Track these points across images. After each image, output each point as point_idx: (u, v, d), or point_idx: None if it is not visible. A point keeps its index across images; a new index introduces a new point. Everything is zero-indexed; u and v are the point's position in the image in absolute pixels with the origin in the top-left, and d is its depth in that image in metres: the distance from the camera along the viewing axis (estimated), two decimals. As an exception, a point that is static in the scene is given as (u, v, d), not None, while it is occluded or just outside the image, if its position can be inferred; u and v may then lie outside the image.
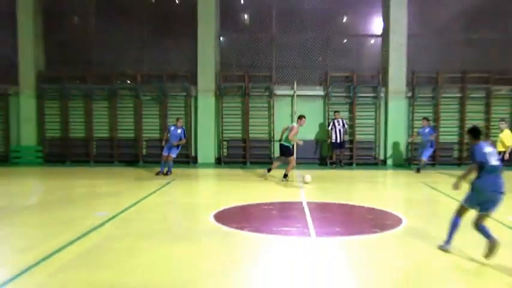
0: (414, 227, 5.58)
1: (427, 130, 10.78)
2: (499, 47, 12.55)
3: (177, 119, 10.08)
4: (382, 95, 12.43)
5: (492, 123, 12.27)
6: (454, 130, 12.49)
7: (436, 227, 5.42)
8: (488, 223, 4.46)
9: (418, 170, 10.71)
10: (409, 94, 12.41)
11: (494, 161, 4.20)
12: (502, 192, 4.20)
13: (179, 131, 9.90)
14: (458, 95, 12.47)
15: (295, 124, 9.09)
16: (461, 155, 12.32)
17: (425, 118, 11.10)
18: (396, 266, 4.15)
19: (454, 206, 4.81)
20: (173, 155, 9.85)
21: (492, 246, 4.08)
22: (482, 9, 12.49)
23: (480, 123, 12.19)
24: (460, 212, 4.37)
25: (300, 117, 9.21)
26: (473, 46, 12.50)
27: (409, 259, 4.38)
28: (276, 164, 9.40)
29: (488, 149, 4.24)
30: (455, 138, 12.50)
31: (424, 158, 10.74)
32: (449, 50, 12.54)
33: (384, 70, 12.44)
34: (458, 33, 12.60)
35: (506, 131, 9.19)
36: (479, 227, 4.20)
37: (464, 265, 4.15)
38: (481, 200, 4.16)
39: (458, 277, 3.98)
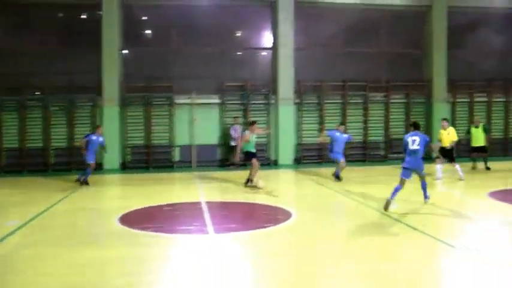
0: (303, 219, 7.70)
1: (345, 135, 12.26)
2: (373, 59, 17.16)
3: (97, 127, 12.45)
4: (273, 101, 16.67)
5: (370, 125, 16.81)
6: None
7: (321, 217, 7.84)
8: (369, 210, 8.25)
9: (338, 177, 11.93)
10: (297, 101, 16.76)
11: (413, 145, 8.20)
12: (416, 169, 8.27)
13: (100, 139, 12.28)
14: (340, 101, 16.99)
15: (246, 132, 11.24)
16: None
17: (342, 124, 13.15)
18: (287, 254, 5.79)
19: (338, 198, 9.16)
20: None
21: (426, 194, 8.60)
22: (358, 26, 17.23)
23: (359, 125, 16.71)
24: (401, 182, 8.20)
25: (252, 123, 11.36)
26: (352, 58, 17.14)
27: (299, 248, 6.04)
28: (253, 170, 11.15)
29: (411, 138, 8.28)
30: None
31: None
32: (331, 62, 17.13)
33: (274, 79, 16.68)
34: (339, 46, 17.11)
35: (451, 128, 12.94)
36: (422, 184, 8.51)
37: (342, 250, 5.95)
38: (409, 172, 8.22)
39: (337, 260, 5.53)
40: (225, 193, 10.66)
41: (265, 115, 16.85)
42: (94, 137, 12.00)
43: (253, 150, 11.07)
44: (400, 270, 5.17)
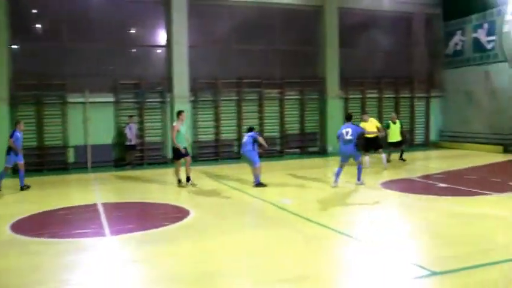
0: (201, 217, 8.88)
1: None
2: (268, 57, 20.47)
3: (18, 122, 12.99)
4: (168, 100, 19.43)
5: (265, 121, 20.09)
6: (233, 128, 20.02)
7: (219, 215, 9.13)
8: (265, 205, 10.15)
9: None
10: (192, 98, 19.64)
11: (347, 136, 11.49)
12: (351, 155, 11.76)
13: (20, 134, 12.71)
14: (235, 98, 20.07)
15: (175, 123, 12.28)
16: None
17: None
18: (184, 253, 6.76)
19: (235, 195, 10.93)
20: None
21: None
22: (253, 23, 20.29)
23: (254, 121, 19.93)
24: (341, 166, 11.66)
25: (179, 112, 12.48)
26: (247, 55, 20.26)
27: (196, 246, 7.07)
28: (177, 170, 12.55)
29: (345, 129, 11.59)
30: (234, 136, 20.04)
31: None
32: (226, 59, 20.10)
33: (168, 77, 19.45)
34: (234, 44, 20.20)
35: (372, 119, 16.05)
36: (358, 168, 12.10)
37: (238, 246, 7.18)
38: (346, 157, 11.67)
39: (233, 256, 6.63)
40: (122, 194, 11.89)
41: (161, 113, 19.56)
42: (20, 135, 12.55)
43: (185, 145, 12.37)
44: (293, 262, 6.35)
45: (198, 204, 10.46)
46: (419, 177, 13.80)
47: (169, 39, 19.42)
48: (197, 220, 8.91)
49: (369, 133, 15.06)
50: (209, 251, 6.99)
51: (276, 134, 20.54)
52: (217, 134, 19.71)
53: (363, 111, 20.37)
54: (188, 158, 12.59)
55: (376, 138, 15.27)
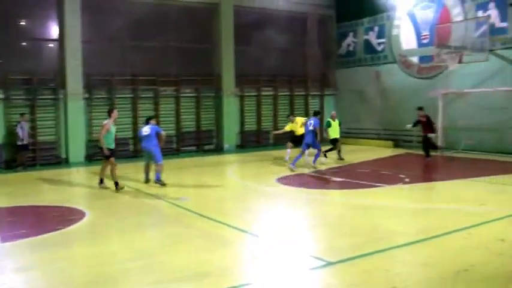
0: (96, 218, 9.78)
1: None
2: (163, 54, 24.45)
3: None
4: (62, 96, 22.64)
5: (161, 119, 24.01)
6: (128, 126, 23.72)
7: (116, 215, 10.19)
8: (163, 203, 11.74)
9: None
10: (86, 95, 23.03)
11: (310, 126, 16.79)
12: (313, 143, 16.99)
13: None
14: (130, 95, 23.78)
15: (106, 121, 13.10)
16: (136, 148, 23.50)
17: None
18: (80, 255, 7.65)
19: (132, 194, 12.42)
20: None
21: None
22: (149, 20, 24.02)
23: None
24: (301, 153, 16.94)
25: (111, 109, 13.54)
26: (143, 52, 23.99)
27: (93, 248, 7.90)
28: (103, 171, 13.65)
29: (309, 121, 17.15)
30: (129, 134, 23.76)
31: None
32: (121, 55, 23.65)
33: (61, 73, 22.67)
34: (129, 40, 23.90)
35: (299, 118, 20.07)
36: (316, 155, 17.31)
37: (134, 246, 8.06)
38: (306, 145, 16.80)
39: (129, 256, 7.48)
40: (13, 197, 12.63)
41: (54, 111, 22.53)
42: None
43: (112, 147, 13.27)
44: (192, 260, 7.28)
45: (94, 205, 11.60)
46: (314, 172, 16.43)
47: (61, 33, 22.21)
48: (93, 221, 9.82)
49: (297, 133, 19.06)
50: (106, 252, 7.68)
51: (172, 132, 24.31)
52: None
53: (259, 108, 25.04)
54: (112, 160, 13.38)
55: (303, 135, 18.17)
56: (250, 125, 25.59)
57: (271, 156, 21.82)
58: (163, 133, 14.27)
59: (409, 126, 20.37)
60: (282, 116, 26.90)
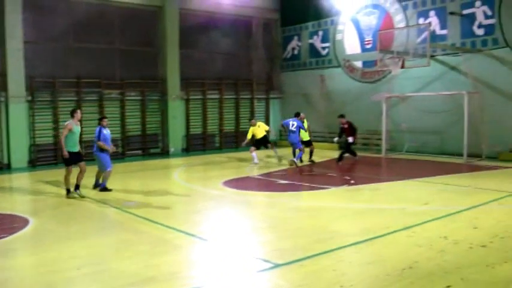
0: (40, 225, 9.68)
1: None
2: (108, 56, 24.18)
3: None
4: (3, 99, 22.08)
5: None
6: (71, 130, 23.26)
7: (60, 222, 10.12)
8: (110, 209, 11.44)
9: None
10: (29, 98, 22.53)
11: (292, 127, 18.76)
12: (296, 143, 18.88)
13: None
14: (74, 98, 23.41)
15: (68, 121, 12.82)
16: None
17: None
18: (26, 265, 7.55)
19: (77, 200, 12.20)
20: None
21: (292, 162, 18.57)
22: (92, 21, 23.72)
23: (94, 122, 23.37)
24: (300, 150, 18.47)
25: (74, 110, 13.29)
26: (87, 55, 23.66)
27: (38, 256, 7.83)
28: (66, 177, 13.06)
29: (291, 122, 18.94)
30: (73, 137, 23.30)
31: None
32: (65, 57, 23.29)
33: (2, 75, 22.11)
34: (72, 41, 23.53)
35: (260, 123, 20.62)
36: (299, 154, 18.84)
37: (80, 252, 7.98)
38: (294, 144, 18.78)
39: (76, 264, 7.39)
40: None
41: (-6, 113, 22.11)
42: None
43: (74, 150, 12.79)
44: (139, 265, 7.30)
45: (38, 211, 11.42)
46: (260, 175, 16.64)
47: (2, 33, 21.79)
48: (37, 229, 9.59)
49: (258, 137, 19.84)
50: (51, 261, 7.54)
51: (117, 136, 24.17)
52: (56, 136, 21.98)
53: (204, 112, 25.14)
54: (82, 164, 13.07)
55: (265, 136, 19.71)
56: (196, 129, 25.73)
57: (217, 160, 22.08)
58: (99, 142, 13.68)
59: (336, 139, 21.21)
60: (227, 118, 27.02)
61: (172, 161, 22.84)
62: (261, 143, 19.78)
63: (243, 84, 27.82)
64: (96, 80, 23.25)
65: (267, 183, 15.53)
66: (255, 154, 19.28)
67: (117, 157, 22.96)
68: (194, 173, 18.65)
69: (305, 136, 19.83)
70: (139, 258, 7.72)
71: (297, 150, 18.77)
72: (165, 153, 24.72)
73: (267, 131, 20.02)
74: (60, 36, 22.97)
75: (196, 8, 25.90)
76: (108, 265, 7.37)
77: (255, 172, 17.41)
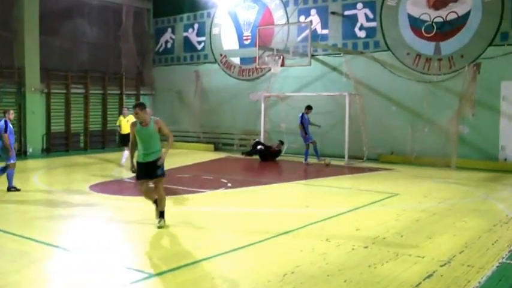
0: None
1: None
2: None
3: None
4: None
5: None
6: None
7: None
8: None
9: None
10: None
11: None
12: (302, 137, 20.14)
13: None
14: None
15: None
16: None
17: None
18: None
19: None
20: None
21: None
22: None
23: None
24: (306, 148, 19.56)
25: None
26: None
27: None
28: None
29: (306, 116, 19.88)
30: None
31: None
32: None
33: None
34: None
35: (131, 116, 17.98)
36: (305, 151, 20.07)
37: None
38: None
39: None
40: None
41: None
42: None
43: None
44: None
45: None
46: (130, 178, 15.40)
47: None
48: None
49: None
50: None
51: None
52: None
53: (67, 107, 24.27)
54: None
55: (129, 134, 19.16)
56: (58, 127, 24.43)
57: (82, 162, 21.41)
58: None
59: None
60: (94, 117, 26.36)
61: (31, 162, 21.52)
62: (125, 139, 17.69)
63: (112, 78, 27.17)
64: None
65: (137, 187, 15.01)
66: (126, 153, 18.04)
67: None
68: (57, 176, 17.96)
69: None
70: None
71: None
72: (22, 154, 23.43)
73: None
74: None
75: (59, -8, 24.83)
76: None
77: (124, 175, 16.95)
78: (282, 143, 22.43)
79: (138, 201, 12.56)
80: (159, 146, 9.91)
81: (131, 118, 18.55)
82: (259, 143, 22.15)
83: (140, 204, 12.20)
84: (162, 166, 9.88)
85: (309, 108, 20.09)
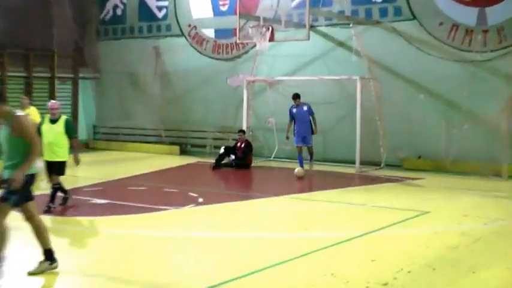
0: None
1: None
2: None
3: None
4: None
5: None
6: None
7: None
8: None
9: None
10: None
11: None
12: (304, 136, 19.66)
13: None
14: None
15: None
16: None
17: None
18: None
19: None
20: None
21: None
22: None
23: None
24: (299, 152, 19.06)
25: None
26: None
27: None
28: None
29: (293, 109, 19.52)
30: None
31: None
32: None
33: None
34: None
35: (32, 108, 18.29)
36: (298, 157, 19.75)
37: None
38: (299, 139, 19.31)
39: None
40: None
41: None
42: None
43: None
44: None
45: None
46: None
47: None
48: None
49: None
50: None
51: None
52: None
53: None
54: None
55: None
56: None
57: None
58: None
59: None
60: (15, 107, 25.88)
61: None
62: None
63: (39, 56, 26.91)
64: None
65: (76, 203, 14.78)
66: None
67: None
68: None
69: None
70: None
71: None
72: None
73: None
74: None
75: None
76: None
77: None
78: (243, 132, 22.07)
79: (71, 224, 12.72)
80: (21, 159, 8.34)
81: (34, 111, 19.17)
82: (229, 151, 21.82)
83: (75, 227, 12.36)
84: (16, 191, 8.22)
85: (296, 97, 19.50)
